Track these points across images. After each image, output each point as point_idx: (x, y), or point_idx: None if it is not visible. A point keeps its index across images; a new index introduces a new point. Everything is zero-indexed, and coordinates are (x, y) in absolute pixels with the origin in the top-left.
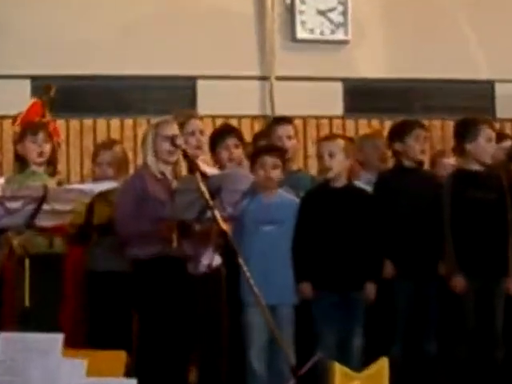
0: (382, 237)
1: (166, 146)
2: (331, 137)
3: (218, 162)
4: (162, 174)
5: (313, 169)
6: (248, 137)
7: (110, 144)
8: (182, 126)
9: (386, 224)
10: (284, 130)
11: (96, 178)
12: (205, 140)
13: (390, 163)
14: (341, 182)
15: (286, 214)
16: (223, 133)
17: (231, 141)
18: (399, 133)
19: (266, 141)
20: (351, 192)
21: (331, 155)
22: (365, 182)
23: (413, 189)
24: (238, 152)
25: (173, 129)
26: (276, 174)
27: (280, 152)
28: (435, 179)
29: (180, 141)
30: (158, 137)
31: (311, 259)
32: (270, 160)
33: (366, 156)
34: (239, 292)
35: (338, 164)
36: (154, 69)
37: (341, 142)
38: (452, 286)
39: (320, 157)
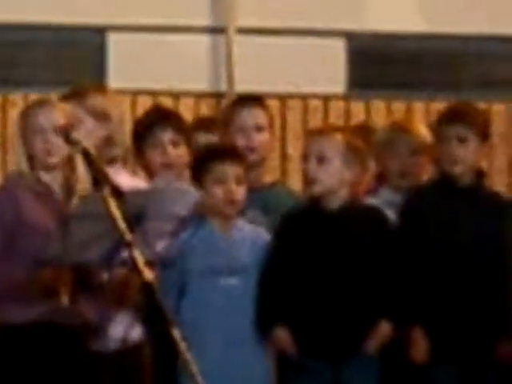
0: (408, 296)
1: (37, 141)
2: (324, 130)
3: (145, 168)
4: (46, 186)
5: (296, 180)
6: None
7: None
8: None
9: (415, 273)
10: (250, 117)
11: None
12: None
13: (429, 174)
14: (337, 201)
15: (254, 257)
16: (153, 121)
17: (166, 134)
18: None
19: (221, 135)
20: (354, 216)
21: (321, 160)
22: (385, 204)
23: (463, 218)
24: (178, 152)
25: (54, 115)
26: (242, 193)
27: (242, 156)
28: (501, 203)
29: (77, 134)
30: (28, 128)
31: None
32: (232, 171)
33: (387, 163)
34: None
35: (331, 175)
36: (34, 14)
37: (339, 140)
38: None
39: (306, 162)
